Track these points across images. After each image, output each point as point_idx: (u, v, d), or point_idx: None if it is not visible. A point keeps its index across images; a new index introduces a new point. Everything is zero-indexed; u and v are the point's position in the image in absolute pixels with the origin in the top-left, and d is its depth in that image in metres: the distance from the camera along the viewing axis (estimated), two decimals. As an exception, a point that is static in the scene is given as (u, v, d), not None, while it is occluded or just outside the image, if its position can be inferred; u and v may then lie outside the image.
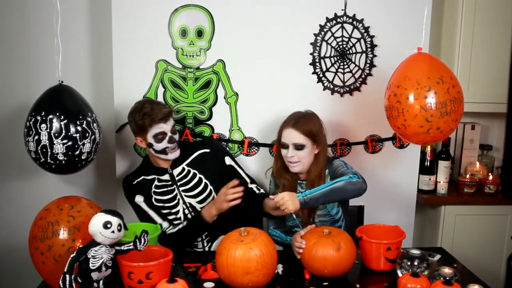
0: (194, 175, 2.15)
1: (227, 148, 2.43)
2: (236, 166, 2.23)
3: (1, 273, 2.64)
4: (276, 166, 2.20)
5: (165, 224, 2.12)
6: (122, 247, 1.60)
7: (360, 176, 1.98)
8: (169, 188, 2.14)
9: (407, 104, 1.76)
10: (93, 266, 1.55)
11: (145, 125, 2.04)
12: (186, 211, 2.14)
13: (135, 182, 2.16)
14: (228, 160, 2.23)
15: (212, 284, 1.75)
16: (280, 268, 1.83)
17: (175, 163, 2.16)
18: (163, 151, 2.08)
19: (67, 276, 1.49)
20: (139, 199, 2.14)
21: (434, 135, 1.77)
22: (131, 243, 1.59)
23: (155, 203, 2.13)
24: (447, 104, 1.73)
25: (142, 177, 2.16)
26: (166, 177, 2.15)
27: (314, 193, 1.90)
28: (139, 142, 2.12)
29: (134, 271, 1.61)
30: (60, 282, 1.49)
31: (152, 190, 2.14)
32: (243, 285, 1.67)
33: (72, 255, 1.53)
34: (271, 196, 1.95)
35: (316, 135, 2.09)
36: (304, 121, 2.09)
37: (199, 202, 2.14)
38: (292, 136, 2.08)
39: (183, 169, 2.16)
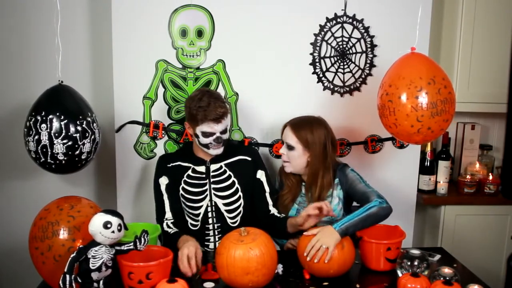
0: (229, 177, 2.15)
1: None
2: (265, 183, 2.19)
3: (1, 273, 2.64)
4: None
5: (168, 215, 2.08)
6: (122, 247, 1.60)
7: (384, 198, 1.99)
8: (201, 182, 2.13)
9: (398, 104, 1.77)
10: (93, 266, 1.55)
11: (197, 118, 2.04)
12: (209, 209, 2.12)
13: (170, 165, 2.15)
14: (259, 174, 2.20)
15: (212, 284, 1.75)
16: (280, 268, 1.83)
17: (215, 159, 2.15)
18: (206, 146, 2.09)
19: (67, 276, 1.50)
20: (164, 181, 2.12)
21: (425, 134, 1.78)
22: (131, 243, 1.59)
23: (181, 191, 2.12)
24: (438, 105, 1.73)
25: (179, 162, 2.15)
26: (202, 169, 2.14)
27: (351, 221, 1.86)
28: (187, 128, 2.14)
29: (134, 271, 1.61)
30: (60, 282, 1.49)
31: (184, 179, 2.13)
32: (243, 285, 1.67)
33: (72, 255, 1.53)
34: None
35: (310, 144, 2.09)
36: (304, 126, 2.11)
37: (226, 204, 2.13)
38: (287, 135, 2.13)
39: (221, 167, 2.15)
